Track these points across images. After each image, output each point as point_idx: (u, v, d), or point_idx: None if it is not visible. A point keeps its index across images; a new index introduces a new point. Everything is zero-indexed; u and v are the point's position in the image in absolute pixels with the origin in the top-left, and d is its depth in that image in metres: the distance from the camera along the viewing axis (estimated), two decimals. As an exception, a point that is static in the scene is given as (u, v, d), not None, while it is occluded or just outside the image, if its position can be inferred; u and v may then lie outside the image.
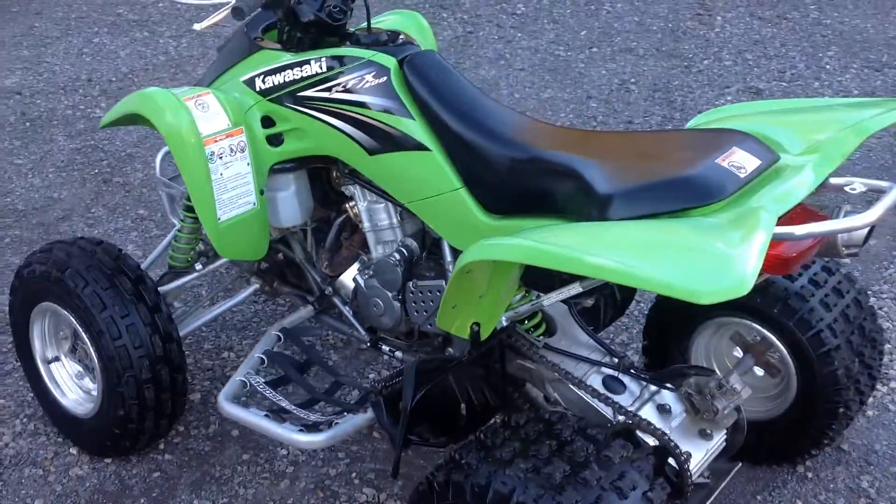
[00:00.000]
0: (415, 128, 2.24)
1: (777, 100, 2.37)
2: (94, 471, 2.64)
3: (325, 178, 2.58)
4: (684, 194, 1.86)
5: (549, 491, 1.76)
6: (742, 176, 1.89)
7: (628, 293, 2.54)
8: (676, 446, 2.08)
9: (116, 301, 2.43)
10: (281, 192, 2.50)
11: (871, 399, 2.83)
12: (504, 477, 1.79)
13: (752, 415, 2.57)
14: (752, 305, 2.42)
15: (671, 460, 2.05)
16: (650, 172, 1.92)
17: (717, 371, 2.60)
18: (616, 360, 2.36)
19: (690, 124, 2.27)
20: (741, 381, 2.25)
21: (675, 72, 5.43)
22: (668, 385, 2.29)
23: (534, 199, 2.08)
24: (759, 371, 2.55)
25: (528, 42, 6.03)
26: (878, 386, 2.88)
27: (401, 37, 2.44)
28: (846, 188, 1.97)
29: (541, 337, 2.38)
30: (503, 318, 2.22)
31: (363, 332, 2.58)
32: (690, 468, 2.10)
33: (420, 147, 2.24)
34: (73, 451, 2.71)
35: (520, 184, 2.10)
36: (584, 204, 1.95)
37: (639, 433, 2.11)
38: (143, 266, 2.78)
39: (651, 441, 2.09)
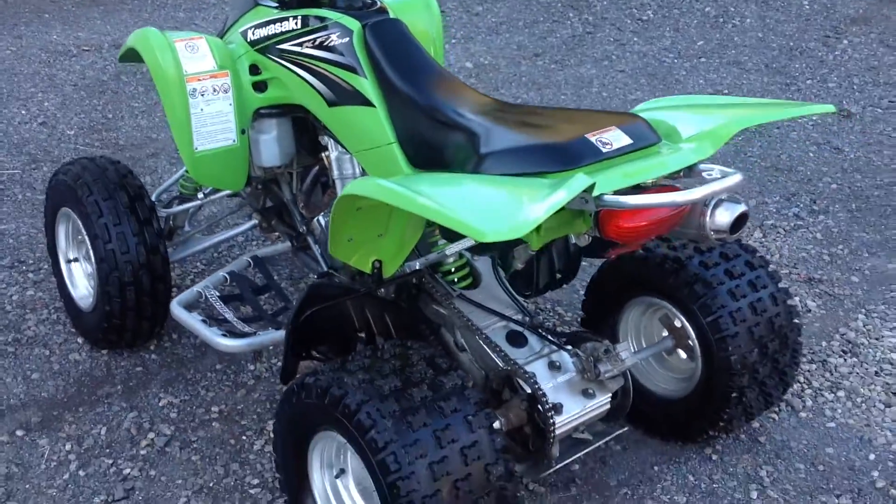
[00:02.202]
0: (366, 85, 2.50)
1: (713, 95, 2.51)
2: (89, 358, 3.06)
3: (311, 128, 2.89)
4: (545, 159, 2.05)
5: (373, 398, 2.00)
6: (604, 150, 2.06)
7: (565, 264, 2.73)
8: (544, 394, 2.28)
9: (112, 210, 2.82)
10: (264, 134, 2.81)
11: (809, 402, 2.90)
12: (342, 383, 2.05)
13: (666, 392, 2.72)
14: (664, 288, 2.57)
15: (539, 407, 2.26)
16: (524, 139, 2.13)
17: (636, 343, 2.76)
18: (527, 318, 2.57)
19: (634, 108, 2.44)
20: (630, 352, 2.42)
21: (773, 88, 5.43)
22: (566, 347, 2.48)
23: (439, 155, 2.31)
24: (682, 354, 2.69)
25: (640, 47, 6.15)
26: (826, 393, 2.94)
27: (377, 5, 2.71)
28: (703, 173, 2.11)
29: (460, 287, 2.61)
30: (417, 262, 2.46)
31: (331, 271, 2.88)
32: (558, 418, 2.29)
33: (367, 103, 2.50)
34: (79, 340, 3.13)
35: (432, 140, 2.34)
36: (469, 160, 2.17)
37: (516, 379, 2.33)
38: (157, 191, 3.18)
39: (527, 388, 2.31)
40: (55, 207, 3.07)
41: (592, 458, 2.68)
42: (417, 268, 2.49)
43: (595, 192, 1.92)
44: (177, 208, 3.14)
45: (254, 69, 2.77)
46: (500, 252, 2.54)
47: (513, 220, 1.75)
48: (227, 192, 3.07)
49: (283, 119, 2.84)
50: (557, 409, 2.33)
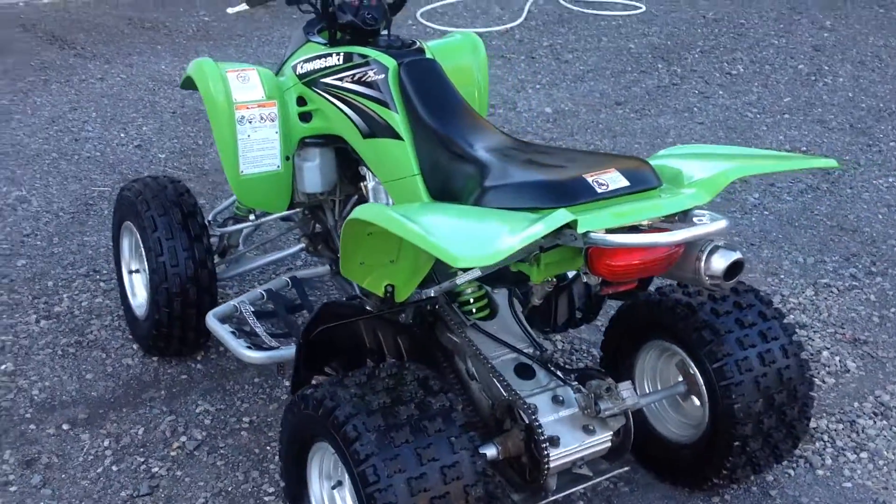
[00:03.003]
0: (397, 119, 2.65)
1: (732, 146, 2.57)
2: (141, 363, 3.27)
3: (352, 159, 3.05)
4: (540, 195, 2.15)
5: (361, 413, 2.12)
6: (599, 191, 2.15)
7: (585, 303, 2.82)
8: (540, 426, 2.36)
9: (165, 226, 3.03)
10: (308, 162, 2.99)
11: (829, 461, 2.88)
12: (335, 396, 2.18)
13: (675, 437, 2.76)
14: (676, 332, 2.62)
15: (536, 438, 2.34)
16: (524, 175, 2.24)
17: (652, 385, 2.81)
18: (537, 352, 2.66)
19: (657, 153, 2.53)
20: (633, 391, 2.48)
21: (853, 148, 5.38)
22: (571, 383, 2.55)
23: (451, 186, 2.44)
24: (695, 401, 2.72)
25: (724, 100, 6.16)
26: (849, 453, 2.92)
27: (416, 45, 2.86)
28: (695, 219, 2.17)
29: (476, 317, 2.70)
30: (431, 290, 2.58)
31: (359, 294, 3.02)
32: (554, 451, 2.37)
33: (397, 136, 2.65)
34: (134, 346, 3.35)
35: (446, 172, 2.47)
36: (473, 192, 2.29)
37: (516, 409, 2.42)
38: (214, 211, 3.39)
39: (525, 419, 2.40)
40: (120, 221, 3.31)
41: (599, 498, 2.73)
42: (432, 295, 2.61)
43: (581, 230, 2.02)
44: (230, 228, 3.33)
45: (300, 101, 2.95)
46: (512, 285, 2.64)
47: (486, 248, 1.87)
48: (278, 215, 3.24)
49: (326, 149, 3.01)
50: (554, 441, 2.40)
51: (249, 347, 2.76)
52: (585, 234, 2.03)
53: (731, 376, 2.51)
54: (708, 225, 2.11)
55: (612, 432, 2.48)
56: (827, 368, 3.34)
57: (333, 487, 2.36)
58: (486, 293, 2.78)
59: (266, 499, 2.68)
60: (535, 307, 2.83)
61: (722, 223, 2.12)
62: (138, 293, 3.35)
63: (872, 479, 2.82)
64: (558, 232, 2.09)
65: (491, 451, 2.41)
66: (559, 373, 2.61)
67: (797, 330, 3.55)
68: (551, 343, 3.46)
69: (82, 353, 3.32)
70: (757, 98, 6.22)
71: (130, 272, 3.38)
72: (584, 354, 3.40)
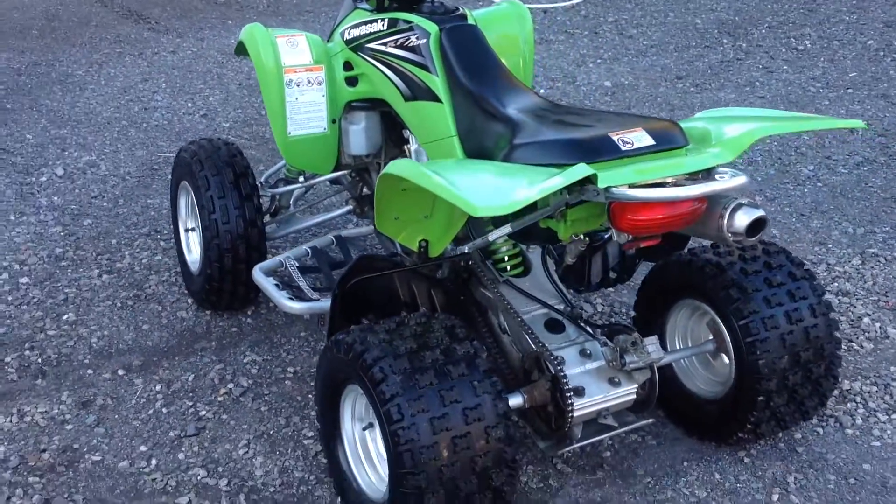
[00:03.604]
0: (437, 83, 2.74)
1: (760, 108, 2.61)
2: (194, 316, 3.43)
3: (397, 123, 3.15)
4: (566, 152, 2.22)
5: (388, 356, 2.23)
6: (623, 148, 2.22)
7: (619, 264, 2.89)
8: (565, 376, 2.45)
9: (218, 185, 3.17)
10: (353, 125, 3.10)
11: (860, 421, 2.91)
12: (365, 341, 2.29)
13: (704, 393, 2.81)
14: (705, 291, 2.68)
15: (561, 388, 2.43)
16: (552, 133, 2.32)
17: (683, 344, 2.87)
18: (567, 308, 2.73)
19: (694, 115, 2.58)
20: (658, 346, 2.54)
21: (918, 122, 5.32)
22: (598, 337, 2.63)
23: (483, 144, 2.53)
24: (725, 358, 2.77)
25: (788, 75, 6.11)
26: (880, 415, 2.94)
27: (458, 11, 2.94)
28: (717, 176, 2.22)
29: (510, 274, 2.79)
30: (466, 246, 2.67)
31: (400, 251, 3.12)
32: (578, 401, 2.45)
33: (436, 99, 2.74)
34: (189, 301, 3.51)
35: (480, 131, 2.55)
36: (503, 149, 2.37)
37: (544, 360, 2.51)
38: (266, 173, 3.52)
39: (552, 370, 2.48)
40: (178, 180, 3.46)
41: (626, 449, 2.80)
42: (466, 251, 2.70)
43: (602, 185, 2.09)
44: (280, 189, 3.46)
45: (347, 66, 3.06)
46: (543, 243, 2.71)
47: (504, 198, 1.96)
48: (327, 177, 3.36)
49: (372, 112, 3.12)
50: (579, 392, 2.48)
51: (291, 298, 2.89)
52: (607, 190, 2.11)
53: (756, 333, 2.56)
54: (726, 181, 2.17)
55: (637, 385, 2.55)
56: (866, 334, 3.35)
57: (364, 429, 2.47)
58: (520, 251, 2.86)
59: (305, 442, 2.80)
60: (570, 266, 2.92)
61: (741, 179, 2.17)
62: (193, 250, 3.50)
63: (902, 440, 2.84)
64: (581, 187, 2.17)
65: (517, 400, 2.50)
66: (588, 328, 2.69)
67: (839, 297, 3.57)
68: (591, 305, 3.53)
69: (140, 306, 3.49)
70: (822, 73, 6.16)
71: (187, 230, 3.53)
72: (623, 317, 3.46)
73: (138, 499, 2.60)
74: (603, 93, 5.82)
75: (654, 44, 6.75)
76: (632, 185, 2.13)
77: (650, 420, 2.62)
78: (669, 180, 2.20)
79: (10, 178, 4.51)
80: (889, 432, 2.87)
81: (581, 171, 2.05)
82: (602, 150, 2.21)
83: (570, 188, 2.20)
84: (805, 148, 4.94)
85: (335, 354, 2.38)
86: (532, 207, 2.40)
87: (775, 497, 2.61)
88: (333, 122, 3.07)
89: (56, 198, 4.34)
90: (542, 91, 5.79)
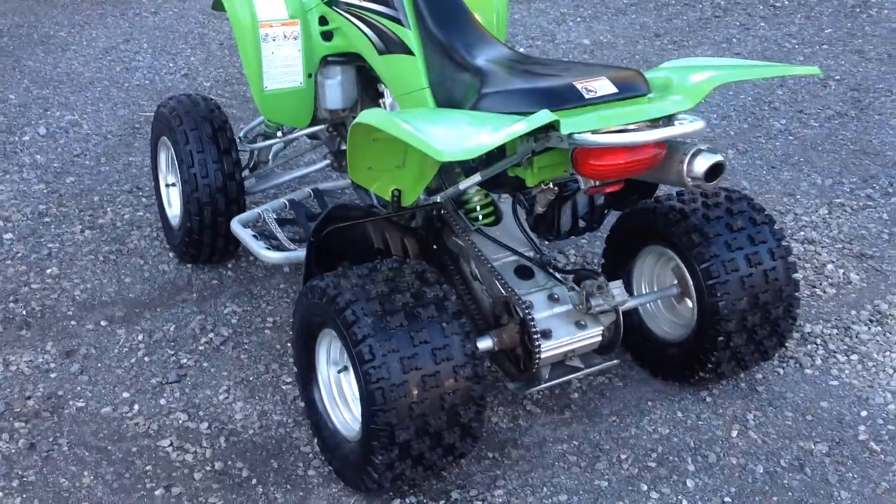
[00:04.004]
0: (409, 35, 2.80)
1: (723, 58, 2.69)
2: (175, 269, 3.51)
3: (372, 77, 3.21)
4: (531, 101, 2.29)
5: (360, 300, 2.32)
6: (587, 96, 2.29)
7: (588, 213, 2.98)
8: (533, 319, 2.54)
9: (196, 139, 3.24)
10: (329, 79, 3.16)
11: (819, 362, 3.02)
12: (338, 285, 2.37)
13: (667, 336, 2.91)
14: (669, 236, 2.76)
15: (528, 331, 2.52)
16: (518, 82, 2.40)
17: (649, 289, 2.96)
18: (537, 255, 2.82)
19: (659, 65, 2.66)
20: (623, 290, 2.63)
21: (889, 77, 5.38)
22: (565, 281, 2.72)
23: (453, 94, 2.59)
24: (689, 302, 2.87)
25: (765, 32, 6.18)
26: (840, 356, 3.05)
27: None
28: (676, 122, 2.30)
29: (483, 223, 2.87)
30: (438, 196, 2.75)
31: (376, 203, 3.20)
32: (546, 343, 2.54)
33: (409, 52, 2.80)
34: (171, 254, 3.58)
35: (450, 81, 2.62)
36: (471, 98, 2.44)
37: (512, 305, 2.60)
38: (245, 129, 3.59)
39: (520, 314, 2.57)
40: (157, 136, 3.52)
41: (593, 390, 2.91)
42: (438, 200, 2.78)
43: (564, 131, 2.17)
44: (259, 144, 3.53)
45: (322, 20, 3.12)
46: (513, 191, 2.78)
47: (467, 143, 2.04)
48: (305, 132, 3.42)
49: (348, 67, 3.18)
50: (546, 334, 2.57)
51: (268, 248, 2.96)
52: (570, 136, 2.19)
53: (717, 276, 2.65)
54: (684, 126, 2.25)
55: (602, 328, 2.65)
56: (829, 280, 3.45)
57: (339, 371, 2.56)
58: (492, 201, 2.94)
59: (283, 387, 2.90)
60: (540, 216, 3.01)
61: (698, 124, 2.25)
62: (174, 205, 3.57)
63: (859, 379, 2.95)
64: (546, 134, 2.25)
65: (487, 343, 2.59)
66: (557, 274, 2.78)
67: (805, 245, 3.67)
68: (564, 256, 3.62)
69: (122, 260, 3.57)
70: (798, 29, 6.22)
71: (167, 185, 3.60)
72: (596, 266, 3.55)
73: (121, 441, 2.69)
74: (581, 51, 5.88)
75: (634, 2, 6.79)
76: (594, 132, 2.21)
77: (615, 361, 2.71)
78: (632, 127, 2.28)
79: (-7, 138, 4.57)
80: (847, 372, 2.98)
81: (543, 117, 2.13)
82: (566, 98, 2.29)
83: (535, 135, 2.29)
84: (778, 103, 5.02)
85: (310, 300, 2.46)
86: (500, 155, 2.48)
87: (734, 433, 2.72)
88: (309, 76, 3.13)
89: (39, 156, 4.40)
90: (521, 50, 5.84)
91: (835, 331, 3.18)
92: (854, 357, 3.05)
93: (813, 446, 2.68)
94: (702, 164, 2.34)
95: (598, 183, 2.39)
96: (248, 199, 3.50)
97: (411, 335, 2.29)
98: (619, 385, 2.93)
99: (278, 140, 3.51)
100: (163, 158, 3.58)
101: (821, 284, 3.43)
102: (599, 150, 2.24)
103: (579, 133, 2.19)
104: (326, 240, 2.69)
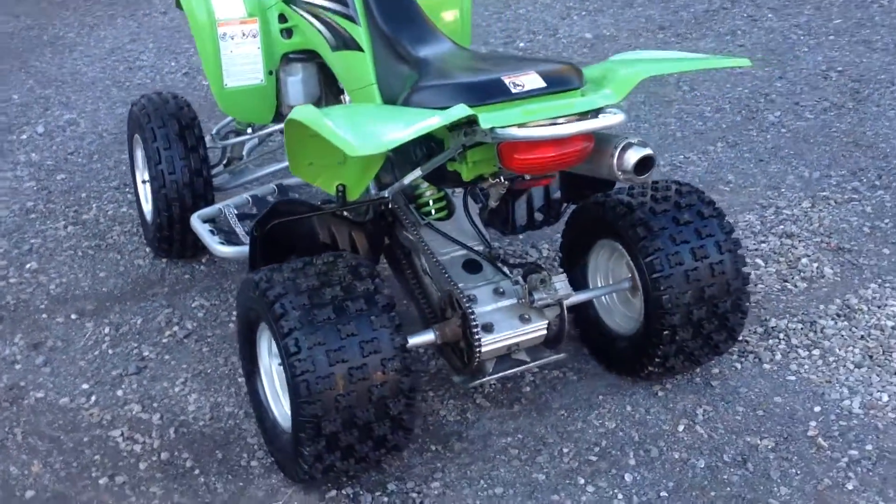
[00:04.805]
0: (360, 32, 2.83)
1: (666, 51, 2.68)
2: (150, 264, 3.58)
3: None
4: (457, 95, 2.29)
5: (290, 293, 2.35)
6: (514, 91, 2.30)
7: (544, 207, 2.99)
8: (473, 313, 2.55)
9: (164, 137, 3.30)
10: (291, 76, 3.20)
11: (779, 357, 2.99)
12: (270, 279, 2.41)
13: (619, 329, 2.91)
14: (617, 230, 2.76)
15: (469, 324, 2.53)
16: (447, 77, 2.41)
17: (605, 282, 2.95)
18: (487, 249, 2.83)
19: (609, 59, 2.66)
20: (566, 284, 2.63)
21: (892, 68, 5.29)
22: (509, 276, 2.72)
23: (394, 92, 2.61)
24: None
25: (772, 23, 6.10)
26: (801, 350, 3.02)
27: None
28: (600, 114, 2.30)
29: (434, 217, 2.88)
30: (385, 191, 2.77)
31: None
32: (487, 336, 2.56)
33: (359, 48, 2.83)
34: (147, 249, 3.65)
35: (392, 76, 2.64)
36: (403, 93, 2.46)
37: (455, 298, 2.61)
38: (217, 126, 3.64)
39: (461, 307, 2.59)
40: (131, 134, 3.59)
41: (545, 384, 2.91)
42: (385, 195, 2.80)
43: (485, 125, 2.18)
44: (231, 141, 3.58)
45: (282, 18, 3.15)
46: (455, 186, 2.78)
47: (380, 138, 2.06)
48: (276, 128, 3.45)
49: (309, 64, 3.21)
50: (488, 328, 2.58)
51: (222, 243, 3.01)
52: (492, 130, 2.20)
53: (661, 269, 2.64)
54: (600, 119, 2.25)
55: (546, 321, 2.65)
56: (802, 274, 3.41)
57: (280, 364, 2.60)
58: (444, 195, 2.96)
59: (239, 380, 2.94)
60: (494, 210, 3.02)
61: (618, 117, 2.25)
62: (149, 200, 3.63)
63: (818, 374, 2.91)
64: (471, 129, 2.26)
65: (430, 336, 2.61)
66: (505, 268, 2.78)
67: (783, 239, 3.63)
68: (537, 250, 3.61)
69: (100, 255, 3.64)
70: (806, 20, 6.13)
71: (143, 182, 3.66)
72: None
73: (74, 431, 2.76)
74: (582, 45, 5.86)
75: (641, -6, 6.75)
76: (521, 126, 2.22)
77: (562, 355, 2.71)
78: (561, 121, 2.28)
79: (-8, 137, 4.69)
80: (807, 367, 2.95)
81: (458, 111, 2.15)
82: (492, 93, 2.29)
83: (465, 130, 2.30)
84: (775, 95, 4.96)
85: (246, 293, 2.50)
86: (436, 150, 2.50)
87: (681, 427, 2.71)
88: (271, 73, 3.17)
89: (34, 154, 4.50)
90: (520, 45, 5.84)
91: (800, 325, 3.14)
92: (816, 352, 3.01)
93: (759, 441, 2.65)
94: (631, 158, 2.35)
95: (527, 177, 2.41)
96: (224, 195, 3.54)
97: (338, 328, 2.31)
98: (572, 379, 2.93)
99: (249, 136, 3.56)
100: (138, 155, 3.64)
101: (793, 279, 3.39)
102: (524, 145, 2.25)
103: (501, 127, 2.20)
104: (273, 234, 2.73)
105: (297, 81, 3.20)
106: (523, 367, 2.69)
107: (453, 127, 2.32)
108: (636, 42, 5.87)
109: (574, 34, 6.04)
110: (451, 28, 3.25)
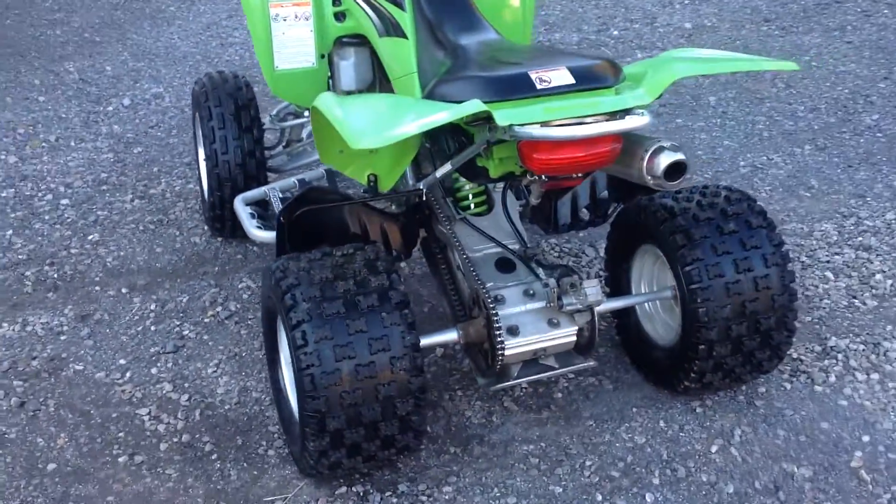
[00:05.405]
0: (406, 19, 2.76)
1: (718, 50, 2.54)
2: (206, 242, 3.61)
3: (388, 59, 3.19)
4: (480, 90, 2.20)
5: (303, 284, 2.31)
6: (539, 87, 2.19)
7: (592, 206, 2.88)
8: (496, 314, 2.47)
9: (219, 116, 3.30)
10: (343, 60, 3.15)
11: (833, 378, 2.81)
12: (286, 269, 2.37)
13: (660, 339, 2.78)
14: (657, 236, 2.63)
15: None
16: (474, 70, 2.33)
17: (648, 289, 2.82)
18: (523, 248, 2.73)
19: (658, 56, 2.54)
20: (599, 289, 2.52)
21: None
22: (541, 277, 2.62)
23: (428, 82, 2.54)
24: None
25: (886, 19, 5.76)
26: (858, 374, 2.83)
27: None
28: (628, 115, 2.17)
29: (474, 212, 2.80)
30: (421, 182, 2.71)
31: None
32: (512, 340, 2.47)
33: (403, 35, 2.77)
34: (205, 228, 3.68)
35: (429, 69, 2.57)
36: (429, 87, 2.38)
37: (481, 298, 2.53)
38: (277, 108, 3.63)
39: (486, 308, 2.51)
40: (193, 112, 3.61)
41: (579, 391, 2.81)
42: (421, 187, 2.73)
43: (502, 122, 2.09)
44: (289, 123, 3.57)
45: (335, 1, 3.11)
46: (487, 181, 2.68)
47: (384, 131, 2.00)
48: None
49: (362, 48, 3.16)
50: (513, 331, 2.50)
51: (259, 227, 3.00)
52: (510, 128, 2.11)
53: (699, 280, 2.50)
54: (628, 120, 2.13)
55: (576, 327, 2.55)
56: (873, 291, 3.20)
57: (294, 354, 2.57)
58: (485, 189, 2.87)
59: (271, 366, 2.94)
60: (537, 207, 2.92)
61: (643, 119, 2.13)
62: (205, 179, 3.66)
63: (873, 400, 2.73)
64: (491, 125, 2.17)
65: (452, 336, 2.55)
66: (540, 269, 2.68)
67: (858, 251, 3.42)
68: (594, 249, 3.49)
69: (160, 230, 3.69)
70: (926, 16, 5.79)
71: (204, 160, 3.69)
72: (623, 262, 3.42)
73: (105, 406, 2.79)
74: (679, 35, 5.65)
75: (752, -17, 6.47)
76: (543, 125, 2.13)
77: (592, 363, 2.59)
78: (589, 120, 2.17)
79: (81, 107, 4.79)
80: (862, 392, 2.77)
81: (470, 107, 2.06)
82: (515, 89, 2.19)
83: (489, 126, 2.20)
84: (876, 96, 4.68)
85: (266, 281, 2.48)
86: (466, 145, 2.42)
87: (714, 448, 2.57)
88: (322, 56, 3.13)
89: (116, 126, 4.59)
90: (614, 34, 5.67)
91: (861, 346, 2.95)
92: (874, 376, 2.82)
93: (796, 469, 2.50)
94: (662, 162, 2.21)
95: (551, 178, 2.31)
96: (283, 177, 3.54)
97: (348, 323, 2.26)
98: (608, 388, 2.82)
99: (307, 119, 3.54)
100: (199, 133, 3.67)
101: (862, 295, 3.19)
102: (544, 144, 2.15)
103: (520, 125, 2.11)
104: (303, 222, 2.69)
105: (349, 66, 3.16)
106: (550, 373, 2.59)
107: (476, 122, 2.24)
108: (737, 34, 5.63)
109: (673, 23, 5.83)
110: (509, 20, 3.16)
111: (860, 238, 3.51)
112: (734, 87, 4.81)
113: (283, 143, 3.65)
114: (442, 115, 2.03)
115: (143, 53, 5.52)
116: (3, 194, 3.95)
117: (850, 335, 3.00)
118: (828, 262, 3.38)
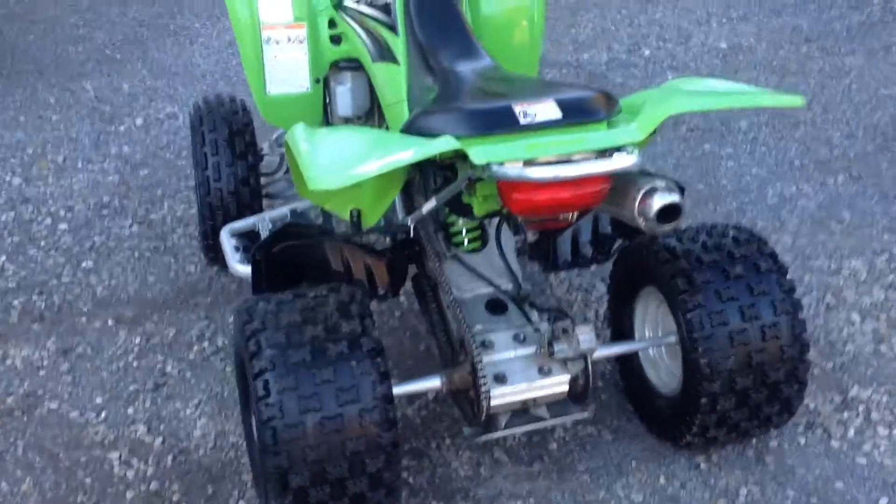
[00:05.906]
0: (398, 44, 2.62)
1: (724, 80, 2.36)
2: (200, 271, 3.45)
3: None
4: (459, 123, 2.03)
5: (269, 329, 2.16)
6: (522, 121, 2.02)
7: (594, 242, 2.71)
8: (480, 361, 2.30)
9: (212, 141, 3.17)
10: (340, 85, 3.01)
11: (851, 433, 2.60)
12: (252, 311, 2.23)
13: (662, 387, 2.59)
14: (659, 278, 2.45)
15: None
16: (458, 103, 2.17)
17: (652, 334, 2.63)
18: (516, 288, 2.56)
19: (666, 82, 2.38)
20: (592, 336, 2.34)
21: None
22: (531, 322, 2.45)
23: (409, 112, 2.39)
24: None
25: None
26: (880, 428, 2.61)
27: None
28: (615, 154, 1.99)
29: (468, 248, 2.63)
30: (409, 219, 2.54)
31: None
32: (498, 389, 2.31)
33: (395, 60, 2.62)
34: (202, 255, 3.54)
35: (419, 99, 2.42)
36: (409, 119, 2.23)
37: (466, 343, 2.37)
38: (276, 133, 3.50)
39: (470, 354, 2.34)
40: (192, 135, 3.49)
41: (576, 441, 2.62)
42: (409, 223, 2.56)
43: (478, 160, 1.93)
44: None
45: (331, 24, 2.97)
46: (475, 218, 2.51)
47: (344, 171, 1.85)
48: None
49: (359, 73, 3.01)
50: (501, 379, 2.34)
51: (241, 262, 2.86)
52: (488, 166, 1.95)
53: (700, 328, 2.32)
54: (613, 160, 1.95)
55: (569, 375, 2.37)
56: (904, 338, 2.98)
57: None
58: (479, 225, 2.70)
59: (252, 407, 2.79)
60: (534, 244, 2.76)
61: (629, 159, 1.94)
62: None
63: (894, 458, 2.51)
64: (465, 163, 2.02)
65: (435, 383, 2.39)
66: (534, 312, 2.51)
67: (889, 292, 3.19)
68: (603, 283, 3.30)
69: (155, 258, 3.56)
70: (975, 35, 5.51)
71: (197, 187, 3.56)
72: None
73: (74, 449, 2.66)
74: (714, 55, 5.42)
75: (791, 2, 6.22)
76: (525, 163, 1.96)
77: (586, 414, 2.42)
78: (576, 157, 2.00)
79: (93, 127, 4.70)
80: (882, 449, 2.55)
81: (442, 143, 1.91)
82: (496, 123, 2.02)
83: (470, 163, 2.04)
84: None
85: (234, 323, 2.33)
86: (452, 180, 2.26)
87: (715, 510, 2.38)
88: (317, 81, 2.99)
89: (126, 147, 4.48)
90: (646, 53, 5.47)
91: (886, 397, 2.73)
92: (897, 432, 2.61)
93: (804, 536, 2.30)
94: (654, 205, 2.03)
95: (523, 219, 2.16)
96: (282, 204, 3.40)
97: (314, 372, 2.11)
98: (606, 438, 2.63)
99: (305, 145, 3.39)
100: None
101: (890, 340, 2.96)
102: (525, 184, 1.98)
103: (499, 163, 1.94)
104: (282, 259, 2.55)
105: (345, 91, 3.01)
106: (540, 424, 2.42)
107: (453, 157, 2.08)
108: (775, 55, 5.39)
109: (708, 43, 5.61)
110: (515, 47, 3.01)
111: (892, 276, 3.28)
112: (767, 111, 4.58)
113: (284, 170, 3.51)
114: (407, 153, 1.88)
115: (162, 71, 5.42)
116: (3, 218, 3.86)
117: (874, 384, 2.78)
118: (855, 302, 3.15)
